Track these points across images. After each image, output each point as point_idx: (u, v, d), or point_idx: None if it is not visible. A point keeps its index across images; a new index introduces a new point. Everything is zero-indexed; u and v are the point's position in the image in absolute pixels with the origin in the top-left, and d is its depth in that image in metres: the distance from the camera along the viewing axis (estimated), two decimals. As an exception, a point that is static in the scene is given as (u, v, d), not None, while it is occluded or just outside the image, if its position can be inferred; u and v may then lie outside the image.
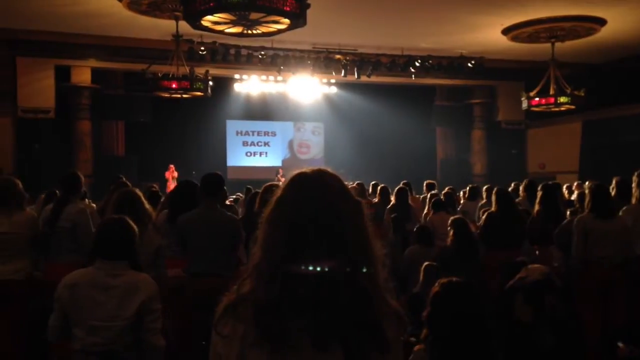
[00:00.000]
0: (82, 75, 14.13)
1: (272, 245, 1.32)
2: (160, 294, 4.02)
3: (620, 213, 5.10)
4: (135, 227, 3.05)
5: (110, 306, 2.79)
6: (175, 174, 14.59)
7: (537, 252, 5.50)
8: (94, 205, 6.20)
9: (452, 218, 5.52)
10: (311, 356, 1.24)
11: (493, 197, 5.90)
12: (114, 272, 2.85)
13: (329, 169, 1.43)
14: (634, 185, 5.27)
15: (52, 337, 2.91)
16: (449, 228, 5.37)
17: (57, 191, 5.42)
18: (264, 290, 1.28)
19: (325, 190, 1.36)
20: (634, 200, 5.27)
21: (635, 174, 5.27)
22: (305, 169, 1.43)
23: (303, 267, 1.27)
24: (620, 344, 4.06)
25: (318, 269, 1.27)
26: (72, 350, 2.84)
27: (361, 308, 1.28)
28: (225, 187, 5.07)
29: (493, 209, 5.80)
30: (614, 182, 5.60)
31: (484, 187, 8.92)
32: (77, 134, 14.23)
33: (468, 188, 9.42)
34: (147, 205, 4.17)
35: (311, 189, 1.36)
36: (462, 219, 5.50)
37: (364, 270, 1.31)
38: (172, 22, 10.81)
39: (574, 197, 7.44)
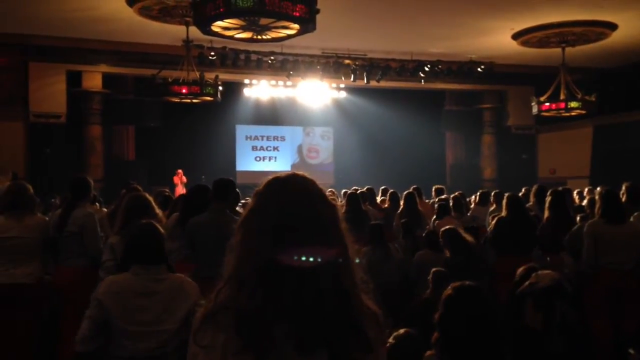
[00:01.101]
0: (93, 80, 14.25)
1: (253, 251, 1.31)
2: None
3: (631, 218, 5.07)
4: (163, 231, 3.07)
5: (157, 311, 2.79)
6: (184, 179, 14.62)
7: (548, 259, 5.46)
8: (105, 209, 6.23)
9: (442, 230, 5.53)
10: None
11: (504, 203, 5.87)
12: (157, 277, 2.85)
13: (304, 173, 1.43)
14: (645, 190, 5.24)
15: (87, 347, 2.80)
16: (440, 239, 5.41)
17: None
18: (247, 297, 1.26)
19: (305, 195, 1.36)
20: (645, 206, 5.24)
21: (647, 179, 5.24)
22: (279, 174, 1.43)
23: (286, 273, 1.26)
24: (631, 351, 4.03)
25: (301, 273, 1.27)
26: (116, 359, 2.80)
27: (343, 310, 1.28)
28: (237, 190, 5.09)
29: (503, 214, 5.77)
30: (623, 187, 5.56)
31: (493, 193, 8.87)
32: (88, 139, 14.33)
33: (479, 193, 9.39)
34: (157, 210, 4.20)
35: (291, 194, 1.36)
36: (452, 230, 5.46)
37: (345, 273, 1.32)
38: (183, 28, 10.88)
39: (584, 202, 7.39)
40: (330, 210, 1.38)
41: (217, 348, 1.27)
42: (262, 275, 1.27)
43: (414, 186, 8.64)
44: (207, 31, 7.72)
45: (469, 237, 5.38)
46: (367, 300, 1.36)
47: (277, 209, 1.33)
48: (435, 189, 9.78)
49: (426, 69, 14.31)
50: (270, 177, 1.43)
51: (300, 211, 1.32)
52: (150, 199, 4.27)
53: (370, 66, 14.19)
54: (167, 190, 8.05)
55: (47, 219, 4.96)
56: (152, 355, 2.77)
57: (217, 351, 1.26)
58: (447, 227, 5.58)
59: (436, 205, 7.68)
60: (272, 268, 1.27)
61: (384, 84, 14.79)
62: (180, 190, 13.57)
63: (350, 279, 1.33)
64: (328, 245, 1.31)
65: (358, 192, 8.27)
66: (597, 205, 4.94)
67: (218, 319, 1.29)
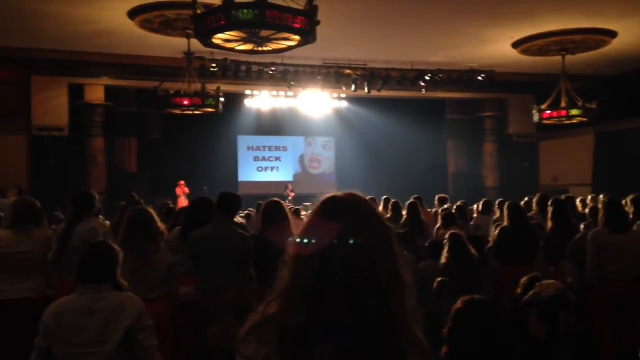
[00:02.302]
0: (96, 93, 14.31)
1: (303, 269, 1.31)
2: (170, 312, 4.06)
3: (635, 227, 5.05)
4: (117, 249, 3.05)
5: (95, 331, 2.72)
6: (187, 190, 14.63)
7: (551, 269, 5.45)
8: (108, 222, 6.24)
9: (448, 234, 5.49)
10: None
11: (505, 212, 5.86)
12: (97, 296, 2.80)
13: (359, 193, 1.41)
14: (648, 199, 5.22)
15: None
16: (444, 242, 5.35)
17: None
18: (293, 314, 1.26)
19: (360, 217, 1.35)
20: (648, 214, 5.22)
21: (650, 187, 5.23)
22: (337, 193, 1.41)
23: (334, 294, 1.26)
24: None
25: (348, 294, 1.26)
26: None
27: (387, 335, 1.27)
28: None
29: (505, 223, 5.75)
30: (629, 200, 5.53)
31: (497, 201, 8.85)
32: (91, 151, 14.37)
33: (482, 202, 9.37)
34: (159, 223, 4.21)
35: (347, 215, 1.34)
36: (456, 235, 5.43)
37: (394, 298, 1.30)
38: (184, 40, 10.94)
39: (587, 210, 7.37)
40: (384, 232, 1.36)
41: (258, 359, 1.27)
42: (310, 293, 1.27)
43: (415, 196, 8.63)
44: (208, 44, 7.75)
45: (472, 249, 5.33)
46: (415, 329, 1.33)
47: (336, 228, 1.31)
48: (439, 198, 9.78)
49: (427, 78, 14.34)
50: (327, 196, 1.41)
51: (350, 231, 1.31)
52: (152, 212, 4.27)
53: (371, 76, 14.23)
54: (171, 203, 8.06)
55: (52, 232, 4.97)
56: None
57: None
58: (454, 231, 5.53)
59: (441, 215, 7.65)
60: (319, 286, 1.27)
61: (385, 93, 14.82)
62: (183, 201, 13.57)
63: (400, 304, 1.31)
64: (378, 267, 1.30)
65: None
66: (601, 214, 4.92)
67: (263, 331, 1.29)
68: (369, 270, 1.29)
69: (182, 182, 14.88)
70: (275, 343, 1.25)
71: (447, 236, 5.41)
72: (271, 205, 4.66)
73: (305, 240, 1.35)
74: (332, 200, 1.39)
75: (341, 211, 1.36)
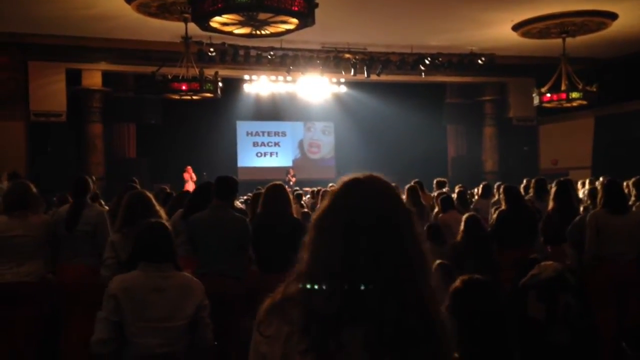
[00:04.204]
0: (93, 78, 14.25)
1: (328, 253, 1.29)
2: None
3: (634, 208, 5.04)
4: (171, 230, 3.11)
5: (167, 307, 2.83)
6: (194, 176, 14.63)
7: (549, 249, 5.46)
8: (106, 207, 6.23)
9: (465, 216, 5.48)
10: None
11: (501, 195, 5.86)
12: (164, 274, 2.89)
13: (381, 176, 1.41)
14: (648, 180, 5.21)
15: (104, 349, 2.78)
16: (462, 226, 5.33)
17: (68, 196, 5.48)
18: (324, 298, 1.24)
19: (382, 198, 1.34)
20: (648, 196, 5.21)
21: (649, 169, 5.22)
22: (358, 174, 1.40)
23: (363, 276, 1.25)
24: (624, 344, 4.02)
25: (379, 279, 1.25)
26: (128, 358, 2.81)
27: (420, 317, 1.26)
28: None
29: (503, 206, 5.75)
30: (630, 182, 5.51)
31: (495, 185, 8.85)
32: (89, 137, 14.34)
33: (481, 186, 9.36)
34: (157, 207, 4.20)
35: (369, 197, 1.33)
36: (474, 217, 5.45)
37: (421, 274, 1.30)
38: (181, 24, 10.86)
39: (583, 193, 7.38)
40: (405, 214, 1.35)
41: (280, 339, 1.26)
42: (341, 277, 1.25)
43: (415, 180, 8.62)
44: (206, 27, 7.71)
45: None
46: (440, 309, 1.34)
47: (352, 211, 1.31)
48: (437, 182, 9.75)
49: (426, 62, 14.26)
50: (347, 178, 1.39)
51: (375, 215, 1.30)
52: (151, 196, 4.26)
53: (370, 60, 14.15)
54: (168, 188, 8.05)
55: (49, 217, 4.96)
56: (162, 352, 2.79)
57: (279, 342, 1.26)
58: (472, 214, 5.54)
59: (439, 199, 7.64)
60: (351, 271, 1.25)
61: (384, 77, 14.75)
62: (190, 186, 13.53)
63: (427, 285, 1.31)
64: (404, 250, 1.29)
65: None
66: (599, 196, 4.91)
67: (285, 310, 1.28)
68: (395, 247, 1.28)
69: (189, 167, 14.88)
70: (301, 325, 1.24)
71: (464, 219, 5.40)
72: (273, 189, 4.64)
73: (329, 219, 1.33)
74: (354, 180, 1.38)
75: (364, 191, 1.35)
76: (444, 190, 8.85)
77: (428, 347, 1.25)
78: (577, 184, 9.38)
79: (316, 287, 1.27)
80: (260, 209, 4.68)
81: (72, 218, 4.63)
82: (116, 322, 2.79)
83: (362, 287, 1.25)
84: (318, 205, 1.40)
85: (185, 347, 2.86)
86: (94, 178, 5.14)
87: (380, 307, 1.23)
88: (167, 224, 3.15)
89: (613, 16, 11.52)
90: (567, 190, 5.84)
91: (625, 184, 5.59)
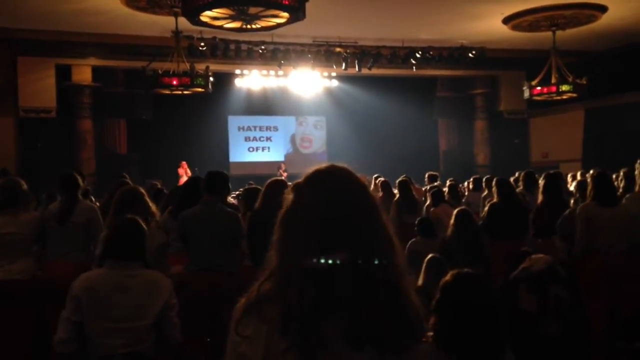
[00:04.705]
0: (83, 73, 14.15)
1: (297, 247, 1.30)
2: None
3: (624, 201, 5.08)
4: (144, 227, 3.06)
5: (131, 306, 2.77)
6: (189, 172, 14.56)
7: (539, 242, 5.49)
8: (97, 203, 6.20)
9: (456, 210, 5.50)
10: (345, 356, 1.23)
11: (494, 188, 5.89)
12: (130, 273, 2.83)
13: (344, 165, 1.41)
14: (637, 172, 5.24)
15: (66, 349, 2.76)
16: (452, 220, 5.35)
17: (56, 192, 5.46)
18: (296, 294, 1.25)
19: (348, 188, 1.35)
20: (637, 188, 5.25)
21: (638, 161, 5.25)
22: (318, 166, 1.41)
23: (337, 267, 1.26)
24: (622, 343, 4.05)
25: (352, 268, 1.26)
26: (92, 358, 2.77)
27: (394, 303, 1.28)
28: (229, 185, 5.07)
29: (495, 199, 5.78)
30: (621, 173, 5.55)
31: (484, 178, 8.89)
32: (79, 133, 14.26)
33: (472, 179, 9.40)
34: (150, 203, 4.19)
35: (334, 188, 1.34)
36: (465, 211, 5.48)
37: (395, 265, 1.32)
38: (172, 19, 10.79)
39: (573, 186, 7.41)
40: (374, 201, 1.38)
41: (260, 339, 1.26)
42: (312, 271, 1.26)
43: (404, 175, 8.64)
44: (196, 21, 7.69)
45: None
46: (413, 293, 1.36)
47: (318, 204, 1.32)
48: (429, 176, 9.78)
49: (417, 55, 14.27)
50: (311, 171, 1.40)
51: (342, 206, 1.31)
52: (143, 191, 4.25)
53: (361, 54, 14.14)
54: (159, 183, 8.03)
55: (39, 214, 4.94)
56: (126, 352, 2.74)
57: (260, 342, 1.26)
58: (462, 208, 5.56)
59: (430, 193, 7.67)
60: (322, 263, 1.26)
61: (375, 71, 14.74)
62: (186, 182, 13.45)
63: (397, 270, 1.32)
64: (377, 236, 1.31)
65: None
66: (589, 188, 4.95)
67: (262, 309, 1.28)
68: (365, 235, 1.30)
69: (184, 163, 14.80)
70: (279, 324, 1.24)
71: (454, 213, 5.42)
72: (274, 185, 4.62)
73: (298, 216, 1.34)
74: (319, 173, 1.39)
75: (329, 183, 1.36)
76: (436, 183, 8.88)
77: (404, 330, 1.28)
78: (567, 176, 9.43)
79: (290, 283, 1.27)
80: (259, 204, 4.68)
81: (65, 210, 4.60)
82: (77, 322, 2.75)
83: (336, 279, 1.25)
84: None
85: (152, 346, 2.80)
86: (83, 174, 5.10)
87: (356, 296, 1.25)
88: (141, 222, 3.07)
89: (603, 9, 11.57)
90: (556, 183, 5.88)
91: (614, 176, 5.63)
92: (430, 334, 2.44)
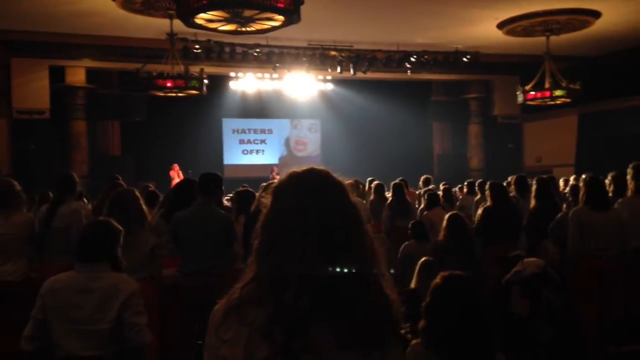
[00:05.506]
0: (77, 75, 14.11)
1: (285, 253, 1.29)
2: (156, 294, 4.05)
3: (616, 205, 5.10)
4: (118, 228, 3.02)
5: (91, 309, 2.75)
6: (181, 174, 14.51)
7: (532, 246, 5.49)
8: (90, 205, 6.18)
9: (448, 214, 5.51)
10: (330, 358, 1.24)
11: (487, 192, 5.91)
12: (93, 275, 2.81)
13: (318, 167, 1.41)
14: (628, 177, 5.26)
15: (28, 346, 2.78)
16: (444, 224, 5.36)
17: (50, 193, 5.44)
18: (292, 299, 1.24)
19: (326, 192, 1.35)
20: (629, 193, 5.27)
21: (630, 166, 5.27)
22: (296, 169, 1.41)
23: (321, 273, 1.26)
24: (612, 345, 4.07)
25: (336, 273, 1.27)
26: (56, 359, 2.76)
27: (378, 305, 1.29)
28: (222, 187, 5.06)
29: (488, 203, 5.80)
30: (609, 177, 5.57)
31: (477, 182, 8.91)
32: (73, 135, 14.21)
33: (466, 183, 9.42)
34: (143, 205, 4.17)
35: (312, 192, 1.34)
36: (457, 215, 5.48)
37: (376, 266, 1.33)
38: (166, 21, 10.77)
39: (567, 190, 7.44)
40: (354, 204, 1.38)
41: (241, 342, 1.25)
42: (307, 274, 1.26)
43: (400, 178, 8.66)
44: (191, 24, 7.68)
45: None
46: (392, 292, 1.36)
47: (300, 209, 1.32)
48: (423, 179, 9.81)
49: (412, 59, 14.29)
50: (289, 174, 1.40)
51: (326, 208, 1.32)
52: (137, 194, 4.23)
53: (356, 57, 14.15)
54: (152, 185, 8.01)
55: (32, 215, 4.92)
56: (87, 356, 2.72)
57: (240, 345, 1.25)
58: (454, 212, 5.57)
59: (425, 196, 7.69)
60: (315, 268, 1.26)
61: (370, 75, 14.75)
62: (179, 184, 13.39)
63: (379, 271, 1.34)
64: (357, 239, 1.32)
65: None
66: (582, 192, 4.97)
67: (244, 312, 1.27)
68: (349, 239, 1.31)
69: (176, 165, 14.74)
70: (262, 326, 1.24)
71: (446, 217, 5.43)
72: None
73: (280, 222, 1.34)
74: (298, 177, 1.39)
75: (309, 187, 1.36)
76: (430, 187, 8.90)
77: (387, 328, 1.30)
78: (559, 180, 9.47)
79: (280, 288, 1.26)
80: (255, 207, 4.67)
81: (48, 215, 4.60)
82: (41, 321, 2.76)
83: (325, 283, 1.26)
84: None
85: (116, 352, 2.77)
86: (77, 178, 5.08)
87: (342, 300, 1.25)
88: (114, 224, 3.05)
89: (597, 14, 11.62)
90: (548, 187, 5.91)
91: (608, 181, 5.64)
92: (415, 341, 2.45)
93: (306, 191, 1.35)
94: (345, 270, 1.28)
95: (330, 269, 1.27)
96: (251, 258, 1.36)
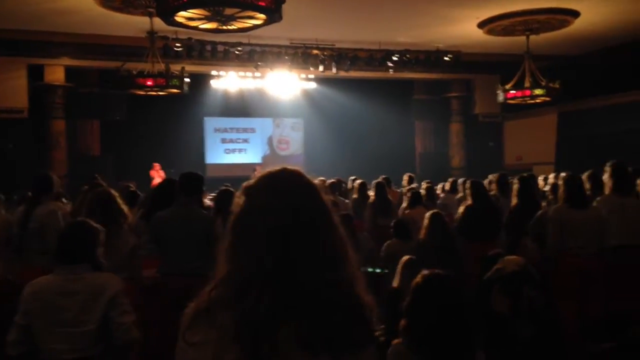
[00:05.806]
0: (56, 74, 13.91)
1: (251, 253, 1.28)
2: (136, 294, 4.00)
3: (594, 203, 5.16)
4: (97, 229, 3.00)
5: (75, 311, 2.73)
6: (162, 174, 14.37)
7: (512, 244, 5.53)
8: (69, 206, 6.10)
9: (428, 213, 5.54)
10: None
11: (467, 190, 5.94)
12: (75, 276, 2.79)
13: (290, 167, 1.40)
14: (606, 175, 5.32)
15: (13, 351, 2.75)
16: (425, 222, 5.38)
17: (29, 193, 5.37)
18: (254, 301, 1.23)
19: (298, 192, 1.34)
20: (607, 191, 5.33)
21: (608, 164, 5.33)
22: (270, 169, 1.40)
23: (290, 275, 1.25)
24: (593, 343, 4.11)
25: (306, 274, 1.25)
26: None
27: (349, 305, 1.28)
28: (204, 188, 5.02)
29: (469, 201, 5.83)
30: (585, 176, 5.62)
31: (459, 180, 8.97)
32: (52, 134, 14.01)
33: (449, 181, 9.47)
34: (122, 206, 4.13)
35: (284, 192, 1.33)
36: (437, 213, 5.51)
37: (348, 266, 1.32)
38: (146, 19, 10.66)
39: (547, 188, 7.52)
40: (326, 204, 1.37)
41: (209, 344, 1.24)
42: (270, 276, 1.24)
43: (383, 176, 8.69)
44: (171, 22, 7.60)
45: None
46: (364, 293, 1.35)
47: (271, 209, 1.30)
48: (407, 178, 9.85)
49: (394, 58, 14.34)
50: (261, 174, 1.38)
51: (298, 208, 1.30)
52: (115, 194, 4.19)
53: (338, 56, 14.16)
54: (132, 185, 7.93)
55: (8, 217, 4.85)
56: (73, 358, 2.71)
57: (209, 348, 1.24)
58: (435, 211, 5.58)
59: (408, 195, 7.71)
60: (281, 268, 1.25)
61: (352, 74, 14.77)
62: (160, 184, 13.27)
63: (350, 271, 1.32)
64: (329, 239, 1.31)
65: (326, 183, 8.28)
66: (561, 191, 5.02)
67: (212, 315, 1.26)
68: (319, 240, 1.29)
69: (157, 165, 14.60)
70: (231, 330, 1.22)
71: (427, 216, 5.45)
72: None
73: (249, 222, 1.32)
74: (269, 178, 1.38)
75: (280, 187, 1.35)
76: (414, 185, 8.93)
77: (358, 329, 1.28)
78: (540, 178, 9.56)
79: (247, 290, 1.25)
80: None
81: (24, 216, 4.54)
82: (25, 326, 2.74)
83: (291, 284, 1.24)
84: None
85: (102, 352, 2.76)
86: (56, 178, 5.01)
87: (310, 302, 1.24)
88: (93, 224, 3.02)
89: (575, 14, 11.75)
90: (529, 186, 5.96)
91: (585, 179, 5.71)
92: (396, 340, 2.45)
93: (275, 191, 1.34)
94: (312, 272, 1.26)
95: (295, 270, 1.25)
96: (219, 259, 1.34)
